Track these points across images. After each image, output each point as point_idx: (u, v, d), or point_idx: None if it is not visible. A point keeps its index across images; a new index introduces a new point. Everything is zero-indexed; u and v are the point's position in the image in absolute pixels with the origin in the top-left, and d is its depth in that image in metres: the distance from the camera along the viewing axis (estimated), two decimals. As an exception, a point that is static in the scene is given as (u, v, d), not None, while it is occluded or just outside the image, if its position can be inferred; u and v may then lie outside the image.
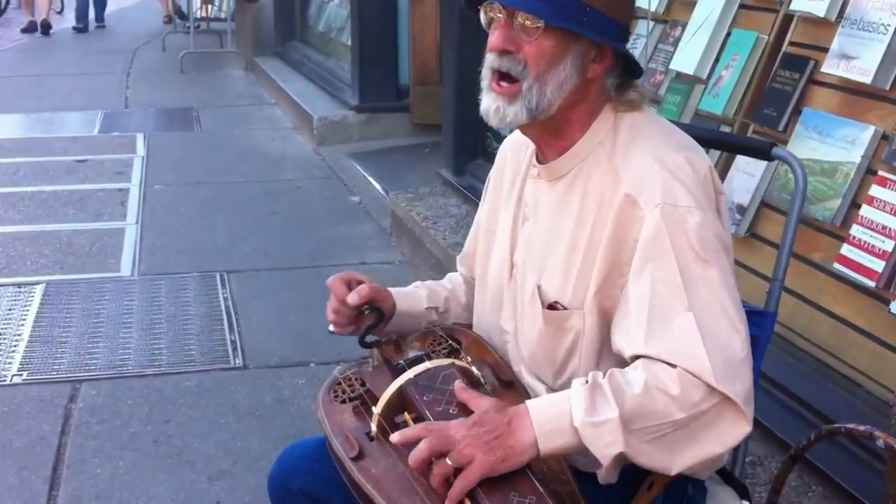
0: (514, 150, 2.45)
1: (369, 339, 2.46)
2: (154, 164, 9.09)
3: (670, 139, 2.17)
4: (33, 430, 4.45)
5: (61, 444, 4.35)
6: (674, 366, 1.92)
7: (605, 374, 1.95)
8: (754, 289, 3.86)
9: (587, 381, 1.95)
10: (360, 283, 2.47)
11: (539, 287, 2.22)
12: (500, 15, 2.12)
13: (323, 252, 6.80)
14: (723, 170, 4.38)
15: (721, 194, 2.16)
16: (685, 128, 3.48)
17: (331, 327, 2.51)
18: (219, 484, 4.05)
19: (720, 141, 3.28)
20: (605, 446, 1.89)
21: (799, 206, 2.49)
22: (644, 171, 2.06)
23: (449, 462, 1.89)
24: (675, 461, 1.95)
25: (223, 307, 5.83)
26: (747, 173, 4.20)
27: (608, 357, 2.12)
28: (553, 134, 2.22)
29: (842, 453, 3.42)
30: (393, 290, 2.57)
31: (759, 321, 2.48)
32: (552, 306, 2.19)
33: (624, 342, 2.04)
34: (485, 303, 2.48)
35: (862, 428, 2.40)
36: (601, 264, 2.09)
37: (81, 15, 17.94)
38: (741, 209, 4.16)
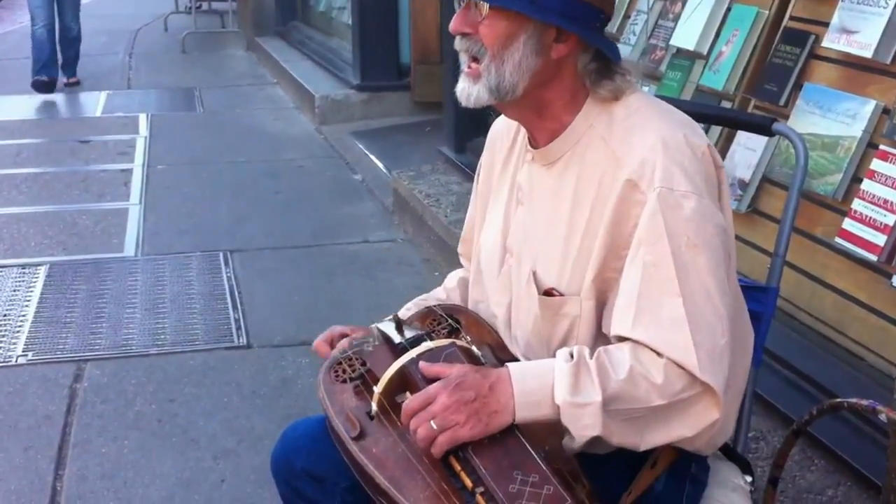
0: (504, 133, 2.43)
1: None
2: (157, 144, 9.09)
3: (668, 118, 2.13)
4: (38, 410, 4.45)
5: (67, 423, 4.35)
6: (660, 355, 1.92)
7: (591, 353, 1.95)
8: (756, 264, 3.86)
9: (572, 356, 1.95)
10: (343, 335, 2.43)
11: (535, 273, 2.21)
12: None
13: (325, 231, 6.80)
14: (724, 145, 4.37)
15: (720, 168, 2.13)
16: (685, 104, 3.48)
17: None
18: (223, 462, 4.05)
19: (721, 117, 3.25)
20: (584, 427, 1.90)
21: (800, 181, 2.46)
22: (645, 156, 2.03)
23: (434, 427, 1.90)
24: (645, 440, 1.98)
25: (226, 286, 5.82)
26: (748, 149, 4.18)
27: (604, 342, 2.10)
28: (536, 114, 2.20)
29: (844, 427, 3.41)
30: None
31: (761, 297, 2.47)
32: (548, 292, 2.18)
33: (612, 322, 2.04)
34: (478, 285, 2.47)
35: (864, 402, 2.39)
36: (600, 249, 2.07)
37: (44, 62, 11.29)
38: (742, 185, 4.15)
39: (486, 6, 2.08)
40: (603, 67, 2.15)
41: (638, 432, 1.96)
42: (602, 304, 2.12)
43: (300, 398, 4.50)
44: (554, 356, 2.02)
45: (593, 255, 2.08)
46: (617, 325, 2.01)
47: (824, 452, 3.47)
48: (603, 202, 2.08)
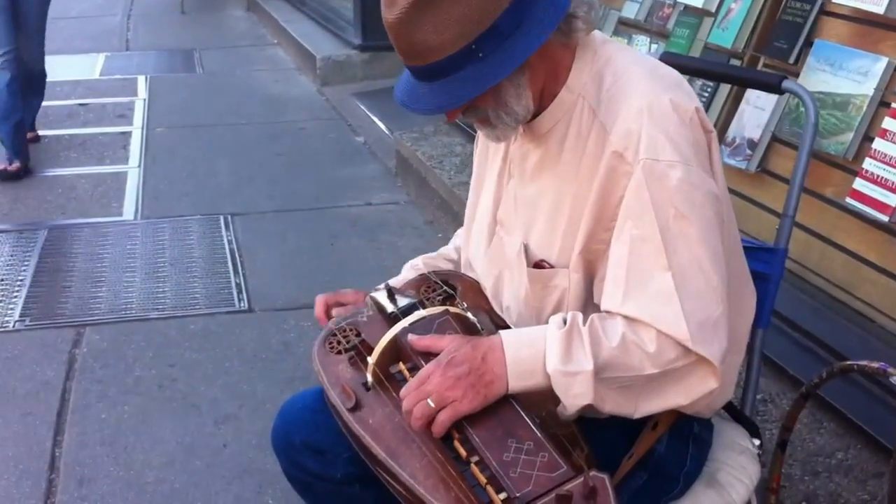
0: None
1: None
2: (156, 106, 9.08)
3: (654, 81, 2.08)
4: (37, 376, 4.46)
5: (66, 389, 4.36)
6: (652, 327, 1.90)
7: (585, 320, 1.94)
8: (765, 225, 3.85)
9: (565, 322, 1.93)
10: (339, 303, 2.44)
11: (526, 246, 2.20)
12: None
13: (328, 193, 6.79)
14: (732, 104, 4.35)
15: (710, 132, 2.09)
16: (694, 62, 3.45)
17: None
18: (225, 427, 4.06)
19: (729, 75, 3.22)
20: (574, 396, 1.89)
21: (810, 141, 2.45)
22: (630, 125, 2.00)
23: (431, 404, 1.90)
24: (639, 408, 1.97)
25: (227, 250, 5.83)
26: (758, 108, 4.16)
27: (593, 311, 2.06)
28: (539, 102, 2.15)
29: (854, 390, 3.41)
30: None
31: (770, 258, 2.46)
32: (538, 265, 2.17)
33: (602, 297, 2.02)
34: (468, 255, 2.46)
35: (875, 365, 2.38)
36: (587, 221, 2.05)
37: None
38: (752, 144, 4.13)
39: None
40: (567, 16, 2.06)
41: (632, 401, 1.95)
42: (590, 276, 2.11)
43: (302, 362, 4.50)
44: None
45: (581, 226, 2.07)
46: (607, 300, 1.99)
47: (834, 415, 3.47)
48: (591, 174, 2.05)
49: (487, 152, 2.42)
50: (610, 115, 2.04)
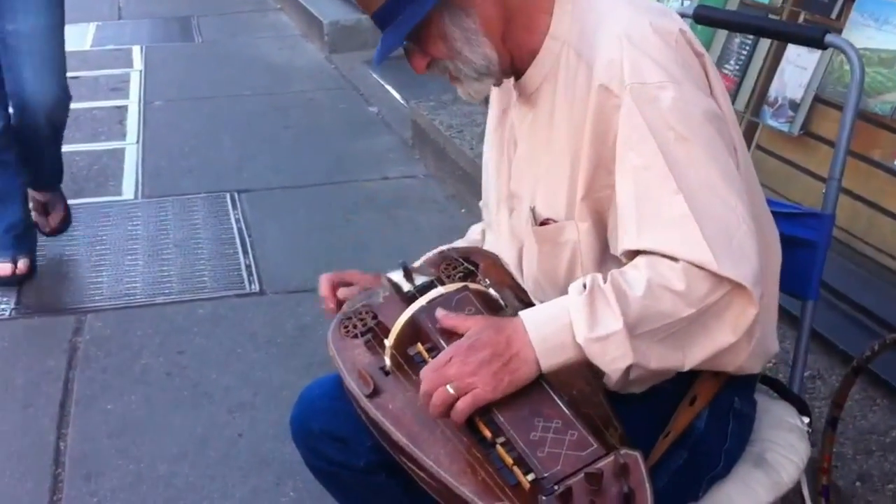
0: None
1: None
2: (153, 78, 9.07)
3: (632, 9, 2.10)
4: (37, 367, 4.49)
5: (68, 379, 4.39)
6: (675, 259, 1.88)
7: (605, 278, 1.92)
8: (810, 190, 3.86)
9: (585, 287, 1.90)
10: (345, 283, 2.50)
11: (533, 209, 2.21)
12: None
13: (340, 167, 6.81)
14: (772, 62, 4.35)
15: (701, 55, 2.10)
16: (732, 16, 3.45)
17: None
18: (239, 416, 4.09)
19: (770, 29, 3.22)
20: (613, 360, 1.87)
21: (856, 100, 2.46)
22: (611, 55, 2.01)
23: (451, 391, 1.89)
24: (688, 357, 1.94)
25: (235, 229, 5.86)
26: (799, 66, 4.16)
27: (611, 265, 2.06)
28: (514, 58, 2.21)
29: (908, 364, 3.43)
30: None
31: (816, 224, 2.47)
32: (545, 223, 2.18)
33: (618, 240, 2.02)
34: (490, 232, 2.51)
35: (930, 335, 2.40)
36: (585, 164, 2.06)
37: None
38: (794, 105, 4.14)
39: (406, 44, 2.15)
40: None
41: (677, 350, 1.92)
42: (602, 227, 2.11)
43: (319, 346, 4.42)
44: (563, 291, 1.98)
45: (580, 171, 2.07)
46: (623, 239, 1.98)
47: (887, 391, 3.48)
48: (581, 116, 2.06)
49: (493, 128, 2.46)
50: (592, 51, 2.06)
